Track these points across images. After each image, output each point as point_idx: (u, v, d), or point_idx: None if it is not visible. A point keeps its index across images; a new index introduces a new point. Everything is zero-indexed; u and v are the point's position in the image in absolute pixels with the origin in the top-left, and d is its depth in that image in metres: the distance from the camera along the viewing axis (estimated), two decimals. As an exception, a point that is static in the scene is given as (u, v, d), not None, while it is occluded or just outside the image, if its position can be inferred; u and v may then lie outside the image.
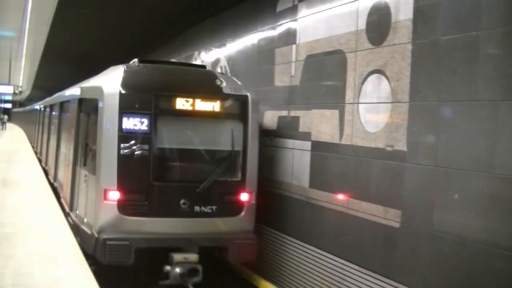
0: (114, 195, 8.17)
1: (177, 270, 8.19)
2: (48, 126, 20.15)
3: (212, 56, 12.73)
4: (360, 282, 7.07)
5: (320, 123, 8.15)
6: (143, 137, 8.27)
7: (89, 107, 9.71)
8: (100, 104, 8.51)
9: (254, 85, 10.45)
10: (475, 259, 5.41)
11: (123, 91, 8.27)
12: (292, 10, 9.10)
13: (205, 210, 8.47)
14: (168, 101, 8.51)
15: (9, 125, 61.98)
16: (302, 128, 8.67)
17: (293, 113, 8.98)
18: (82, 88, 10.82)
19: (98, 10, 14.27)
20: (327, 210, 7.88)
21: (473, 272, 5.46)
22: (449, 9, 5.89)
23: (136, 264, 8.17)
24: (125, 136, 8.22)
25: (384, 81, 6.77)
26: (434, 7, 6.07)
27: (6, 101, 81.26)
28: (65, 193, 11.56)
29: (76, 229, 9.17)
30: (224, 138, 8.83)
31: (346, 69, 7.55)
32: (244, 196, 8.73)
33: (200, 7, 12.81)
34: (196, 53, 13.87)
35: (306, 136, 8.51)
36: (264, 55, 10.08)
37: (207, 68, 10.83)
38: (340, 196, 7.58)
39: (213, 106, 8.68)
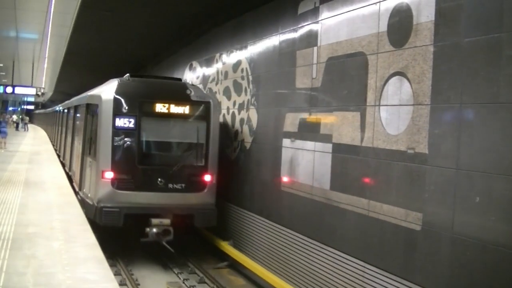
0: (109, 175, 11.10)
1: (154, 230, 11.05)
2: (65, 126, 23.21)
3: (233, 58, 12.77)
4: (381, 285, 7.05)
5: (341, 126, 8.14)
6: (131, 132, 11.24)
7: (92, 110, 12.64)
8: (100, 108, 11.43)
9: (275, 87, 10.49)
10: (496, 263, 5.38)
11: (116, 98, 11.22)
12: (314, 12, 9.11)
13: (177, 186, 11.39)
14: (149, 106, 11.46)
15: (31, 126, 62.63)
16: (323, 130, 8.67)
17: (314, 115, 8.99)
18: (88, 95, 14.15)
19: (120, 13, 14.37)
20: (348, 213, 7.88)
21: (494, 276, 5.42)
22: (471, 11, 5.87)
23: (125, 227, 11.18)
24: (117, 131, 11.18)
25: (406, 84, 6.76)
26: (456, 9, 6.05)
27: (28, 103, 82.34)
28: (76, 177, 14.69)
29: (82, 203, 11.83)
30: (192, 133, 11.79)
31: (368, 71, 7.54)
32: (206, 177, 11.65)
33: (221, 9, 12.86)
34: (217, 55, 13.90)
35: (327, 138, 8.51)
36: (285, 57, 10.10)
37: (183, 80, 14.11)
38: (361, 199, 7.57)
39: (184, 109, 11.65)
